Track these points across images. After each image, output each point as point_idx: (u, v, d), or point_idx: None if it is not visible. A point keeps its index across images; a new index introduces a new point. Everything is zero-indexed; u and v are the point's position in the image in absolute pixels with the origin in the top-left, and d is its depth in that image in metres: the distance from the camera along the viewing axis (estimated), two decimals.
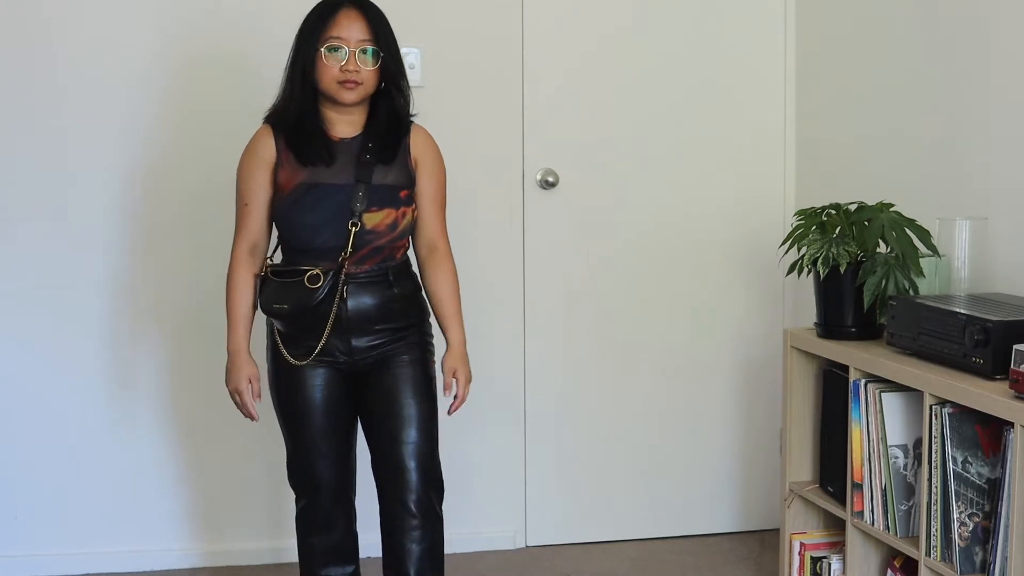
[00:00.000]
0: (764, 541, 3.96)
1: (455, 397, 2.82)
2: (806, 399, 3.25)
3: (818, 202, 3.20)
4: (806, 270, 3.06)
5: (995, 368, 2.48)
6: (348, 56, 2.66)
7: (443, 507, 2.82)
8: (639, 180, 3.93)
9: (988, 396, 2.41)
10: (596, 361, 3.95)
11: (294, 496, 2.90)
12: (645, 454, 4.01)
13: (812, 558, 3.21)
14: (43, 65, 3.59)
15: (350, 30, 2.67)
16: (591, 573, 3.74)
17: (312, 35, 2.69)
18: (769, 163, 4.00)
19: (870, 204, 3.04)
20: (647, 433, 4.00)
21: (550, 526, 3.98)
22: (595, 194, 3.91)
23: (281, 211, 2.72)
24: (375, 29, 2.69)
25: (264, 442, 3.80)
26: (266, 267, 2.77)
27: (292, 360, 2.74)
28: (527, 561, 3.84)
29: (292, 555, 3.79)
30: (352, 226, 2.67)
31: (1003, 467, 2.43)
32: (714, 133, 3.97)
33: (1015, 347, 2.36)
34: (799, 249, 3.08)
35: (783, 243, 3.18)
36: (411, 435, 2.75)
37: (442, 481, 2.82)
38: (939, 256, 2.96)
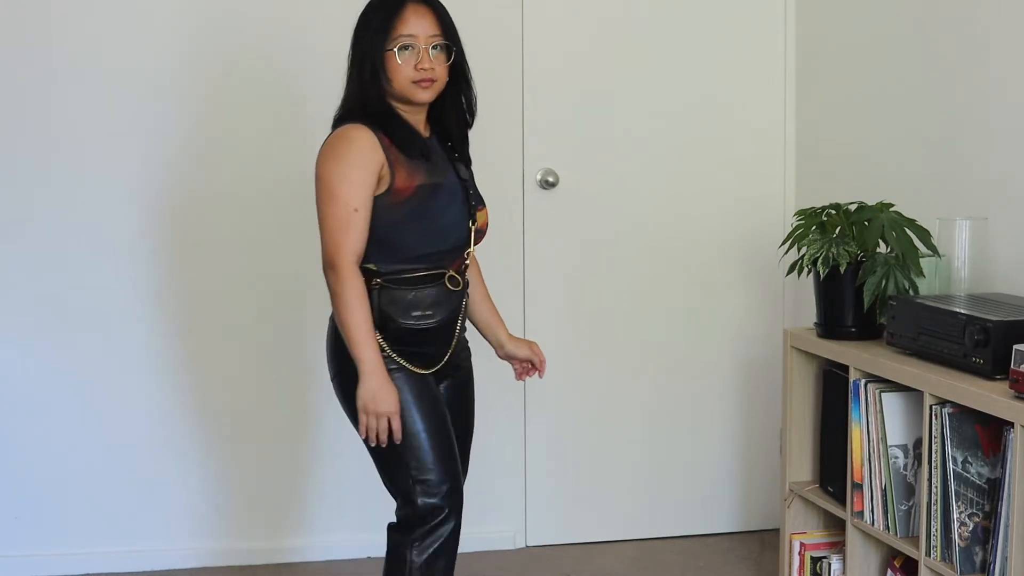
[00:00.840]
0: (764, 541, 3.96)
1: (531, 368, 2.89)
2: (806, 399, 3.25)
3: (818, 202, 3.19)
4: (806, 270, 3.06)
5: (995, 368, 2.48)
6: (421, 54, 2.52)
7: None
8: (639, 180, 3.93)
9: (988, 396, 2.41)
10: (596, 361, 3.95)
11: (420, 515, 2.54)
12: (645, 454, 4.01)
13: (812, 558, 3.21)
14: (45, 64, 3.59)
15: (420, 26, 2.52)
16: (591, 573, 3.74)
17: (380, 34, 2.52)
18: (769, 163, 4.00)
19: (870, 204, 3.04)
20: (647, 433, 4.00)
21: (550, 526, 3.98)
22: (595, 194, 3.91)
23: (406, 214, 2.52)
24: (443, 23, 2.56)
25: (266, 442, 3.80)
26: (383, 276, 2.54)
27: (418, 370, 2.57)
28: (527, 561, 3.84)
29: (292, 555, 3.81)
30: (471, 223, 2.62)
31: (1003, 467, 2.43)
32: (714, 133, 3.97)
33: (1015, 347, 2.36)
34: (799, 249, 3.08)
35: (783, 243, 3.18)
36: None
37: None
38: (939, 256, 2.96)
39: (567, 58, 3.87)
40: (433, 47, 2.54)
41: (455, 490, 2.56)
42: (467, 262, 2.67)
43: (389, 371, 2.51)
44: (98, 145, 3.63)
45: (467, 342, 2.75)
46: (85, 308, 3.67)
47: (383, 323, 2.53)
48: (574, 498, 3.97)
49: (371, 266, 2.53)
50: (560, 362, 3.93)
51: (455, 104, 2.66)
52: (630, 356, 3.99)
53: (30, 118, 3.60)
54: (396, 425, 2.48)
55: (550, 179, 3.86)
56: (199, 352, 3.74)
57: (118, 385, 3.70)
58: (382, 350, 2.51)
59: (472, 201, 2.63)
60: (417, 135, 2.58)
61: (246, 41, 3.69)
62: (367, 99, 2.53)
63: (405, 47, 2.51)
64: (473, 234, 2.63)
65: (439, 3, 2.60)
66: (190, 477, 3.77)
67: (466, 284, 2.65)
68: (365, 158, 2.49)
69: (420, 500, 2.52)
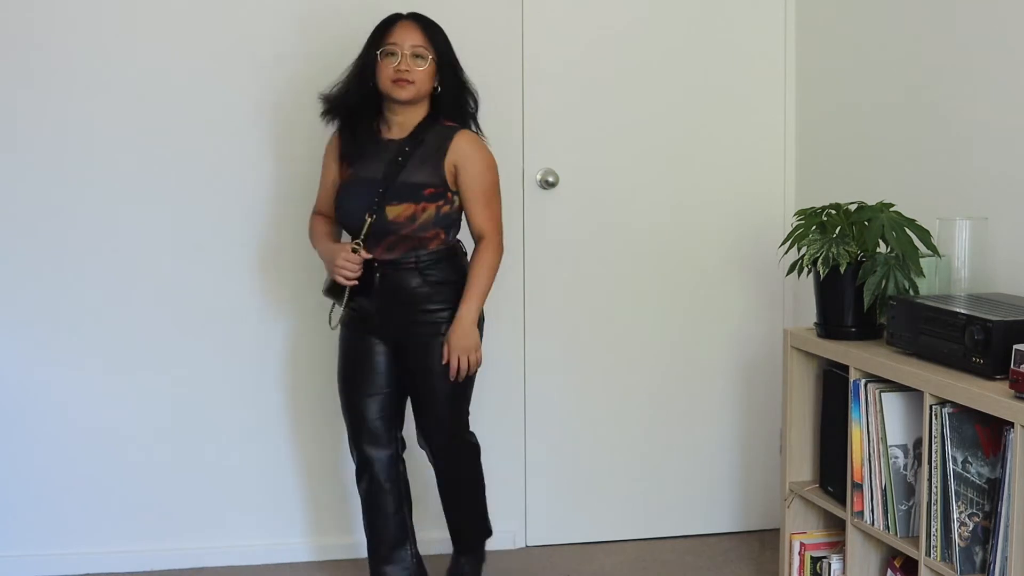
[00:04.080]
0: (764, 541, 3.96)
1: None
2: (806, 399, 3.25)
3: (818, 202, 3.20)
4: (806, 270, 3.06)
5: (995, 368, 2.48)
6: (401, 58, 3.10)
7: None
8: (639, 180, 3.93)
9: (988, 396, 2.41)
10: (596, 361, 3.95)
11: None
12: (645, 454, 4.01)
13: (812, 558, 3.21)
14: (50, 63, 3.60)
15: (404, 37, 3.12)
16: (591, 573, 3.74)
17: (373, 43, 3.14)
18: (769, 162, 4.00)
19: (870, 204, 3.04)
20: (647, 433, 4.00)
21: (550, 526, 3.98)
22: (595, 194, 3.91)
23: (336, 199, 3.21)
24: (429, 37, 3.12)
25: (265, 442, 3.80)
26: None
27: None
28: (527, 561, 3.84)
29: (291, 554, 3.80)
30: (369, 216, 3.08)
31: (1003, 467, 2.43)
32: (714, 133, 3.97)
33: (1015, 347, 2.36)
34: (799, 249, 3.08)
35: (783, 243, 3.18)
36: (428, 415, 3.23)
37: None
38: (939, 256, 2.96)
39: (567, 59, 3.87)
40: (414, 55, 3.11)
41: None
42: (386, 241, 3.10)
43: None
44: (108, 146, 3.64)
45: (438, 317, 3.14)
46: (81, 307, 3.66)
47: None
48: (574, 498, 3.97)
49: None
50: (559, 362, 3.94)
51: (454, 107, 3.21)
52: (630, 356, 3.99)
53: (42, 120, 3.60)
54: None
55: (550, 179, 3.86)
56: (197, 350, 3.74)
57: (115, 384, 3.70)
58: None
59: (381, 198, 3.08)
60: (365, 136, 3.16)
61: (247, 40, 3.70)
62: (348, 97, 3.17)
63: (389, 52, 3.12)
64: (369, 224, 3.08)
65: (431, 22, 3.16)
66: (187, 477, 3.76)
67: (378, 259, 3.12)
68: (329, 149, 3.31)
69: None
